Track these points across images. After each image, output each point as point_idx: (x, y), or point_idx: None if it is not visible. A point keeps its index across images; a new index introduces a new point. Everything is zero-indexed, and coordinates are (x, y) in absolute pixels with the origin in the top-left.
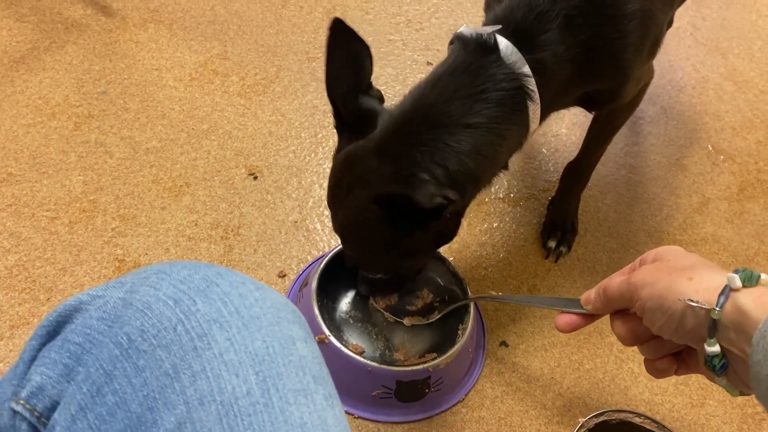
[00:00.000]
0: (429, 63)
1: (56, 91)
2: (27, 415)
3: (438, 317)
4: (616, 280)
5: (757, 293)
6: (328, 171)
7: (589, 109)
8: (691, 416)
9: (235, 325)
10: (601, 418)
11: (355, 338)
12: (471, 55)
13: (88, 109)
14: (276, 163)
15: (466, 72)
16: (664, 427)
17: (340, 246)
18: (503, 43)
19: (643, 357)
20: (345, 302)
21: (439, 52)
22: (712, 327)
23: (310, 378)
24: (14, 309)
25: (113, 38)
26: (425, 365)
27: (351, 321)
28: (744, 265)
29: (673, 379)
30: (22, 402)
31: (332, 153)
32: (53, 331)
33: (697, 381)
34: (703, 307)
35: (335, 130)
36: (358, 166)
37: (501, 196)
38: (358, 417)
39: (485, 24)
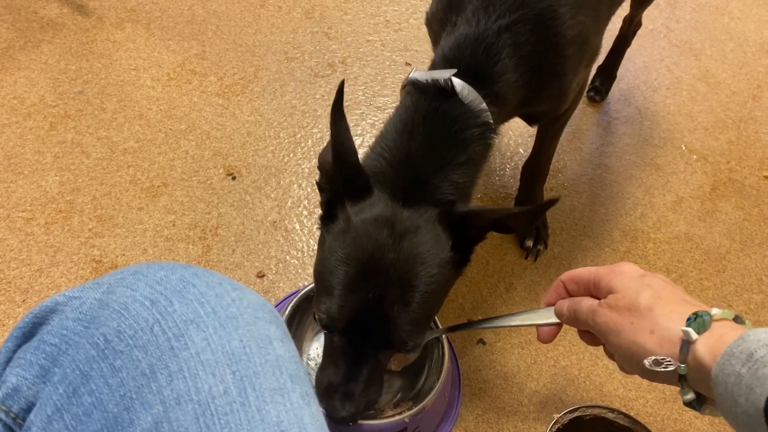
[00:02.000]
0: (407, 63)
1: (32, 90)
2: (2, 416)
3: (419, 353)
4: (584, 308)
5: (711, 340)
6: (308, 171)
7: (529, 123)
8: (664, 411)
9: (211, 325)
10: (575, 414)
11: None
12: (433, 101)
13: (65, 109)
14: (254, 163)
15: (436, 118)
16: (636, 422)
17: (304, 290)
18: (459, 85)
19: None
20: (312, 348)
21: (417, 53)
22: (682, 380)
23: (287, 377)
24: None
25: (90, 38)
26: (401, 416)
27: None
28: (716, 263)
29: None
30: None
31: (312, 154)
32: (29, 332)
33: None
34: (669, 369)
35: (319, 191)
36: (395, 221)
37: (479, 196)
38: None
39: (434, 63)
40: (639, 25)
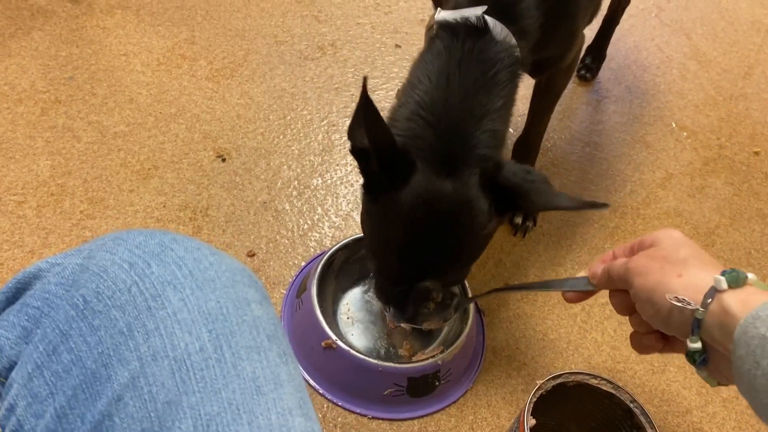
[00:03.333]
0: (398, 45)
1: (23, 77)
2: None
3: (454, 316)
4: (618, 263)
5: (743, 294)
6: (297, 152)
7: (534, 74)
8: (652, 383)
9: (188, 287)
10: (558, 381)
11: (358, 339)
12: (466, 41)
13: (55, 94)
14: (244, 145)
15: (471, 61)
16: (619, 387)
17: (333, 248)
18: (491, 22)
19: (628, 333)
20: (344, 303)
21: (408, 35)
22: (696, 325)
23: (264, 337)
24: None
25: (80, 24)
26: (435, 359)
27: (352, 322)
28: (705, 237)
29: None
30: None
31: (302, 135)
32: (12, 297)
33: None
34: (688, 307)
35: (364, 188)
36: (441, 197)
37: None
38: (372, 417)
39: (458, 2)
40: (627, 1)
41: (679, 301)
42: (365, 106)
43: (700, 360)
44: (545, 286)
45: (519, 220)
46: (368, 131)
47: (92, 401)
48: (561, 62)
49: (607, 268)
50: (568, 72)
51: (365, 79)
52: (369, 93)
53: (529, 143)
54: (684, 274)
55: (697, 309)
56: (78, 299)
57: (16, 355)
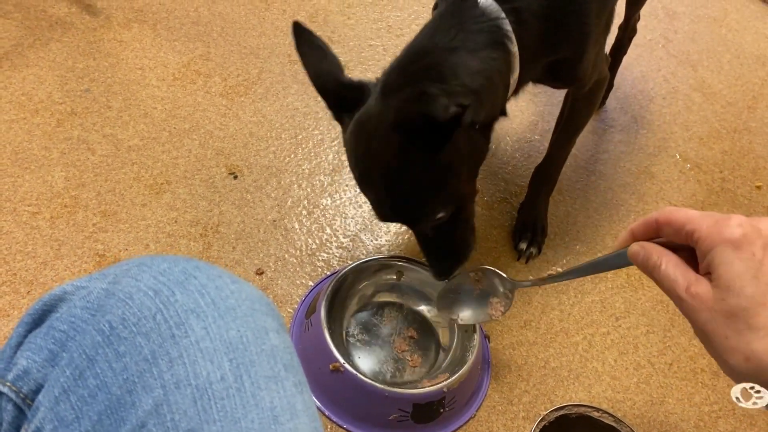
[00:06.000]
0: None
1: (40, 87)
2: (13, 396)
3: (511, 299)
4: (668, 278)
5: None
6: (308, 172)
7: (553, 82)
8: (651, 413)
9: (211, 315)
10: (561, 412)
11: (365, 362)
12: (452, 5)
13: (71, 106)
14: (256, 163)
15: (446, 15)
16: (620, 421)
17: (344, 269)
18: None
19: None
20: (352, 326)
21: None
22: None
23: (281, 366)
24: None
25: (97, 37)
26: (440, 386)
27: (359, 344)
28: None
29: (635, 378)
30: (8, 384)
31: (312, 155)
32: (38, 319)
33: (658, 380)
34: (758, 404)
35: (336, 121)
36: (371, 118)
37: (475, 199)
38: None
39: None
40: (634, 31)
41: (748, 397)
42: (298, 52)
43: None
44: (584, 270)
45: (524, 246)
46: (307, 71)
47: (117, 427)
48: (577, 72)
49: (653, 266)
50: (589, 102)
51: (294, 24)
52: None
53: (546, 173)
54: (752, 359)
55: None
56: (104, 325)
57: (42, 377)
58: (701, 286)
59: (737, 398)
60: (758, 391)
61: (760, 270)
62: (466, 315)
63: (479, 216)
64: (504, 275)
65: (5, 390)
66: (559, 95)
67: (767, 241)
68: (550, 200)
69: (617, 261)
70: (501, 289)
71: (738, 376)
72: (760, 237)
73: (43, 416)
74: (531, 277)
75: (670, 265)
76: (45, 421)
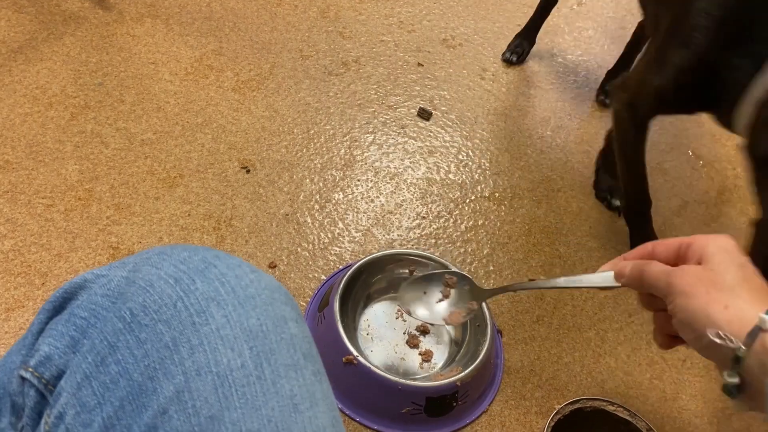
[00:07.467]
0: (420, 64)
1: (53, 81)
2: (35, 382)
3: (475, 310)
4: (655, 269)
5: None
6: (320, 166)
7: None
8: (664, 409)
9: (231, 303)
10: (576, 406)
11: (377, 355)
12: None
13: (85, 100)
14: (268, 158)
15: None
16: (635, 415)
17: (357, 263)
18: None
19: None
20: (364, 319)
21: (430, 54)
22: (736, 362)
23: (300, 355)
24: (10, 292)
25: (110, 31)
26: (453, 379)
27: (372, 338)
28: None
29: (648, 373)
30: (30, 370)
31: (324, 150)
32: (59, 306)
33: (671, 376)
34: (730, 345)
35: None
36: None
37: (486, 194)
38: None
39: None
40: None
41: (721, 338)
42: None
43: (736, 393)
44: (568, 282)
45: (617, 202)
46: None
47: (138, 413)
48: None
49: (641, 269)
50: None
51: None
52: (388, 108)
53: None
54: (730, 306)
55: (739, 347)
56: (125, 312)
57: (64, 364)
58: (690, 264)
59: (713, 335)
60: (728, 337)
61: (738, 255)
62: (421, 312)
63: (491, 211)
64: (477, 285)
65: (27, 376)
66: (562, 93)
67: (743, 253)
68: (563, 197)
69: (597, 280)
70: (466, 300)
71: (710, 324)
72: (738, 248)
73: (66, 401)
74: (523, 281)
75: (655, 263)
76: (67, 407)
